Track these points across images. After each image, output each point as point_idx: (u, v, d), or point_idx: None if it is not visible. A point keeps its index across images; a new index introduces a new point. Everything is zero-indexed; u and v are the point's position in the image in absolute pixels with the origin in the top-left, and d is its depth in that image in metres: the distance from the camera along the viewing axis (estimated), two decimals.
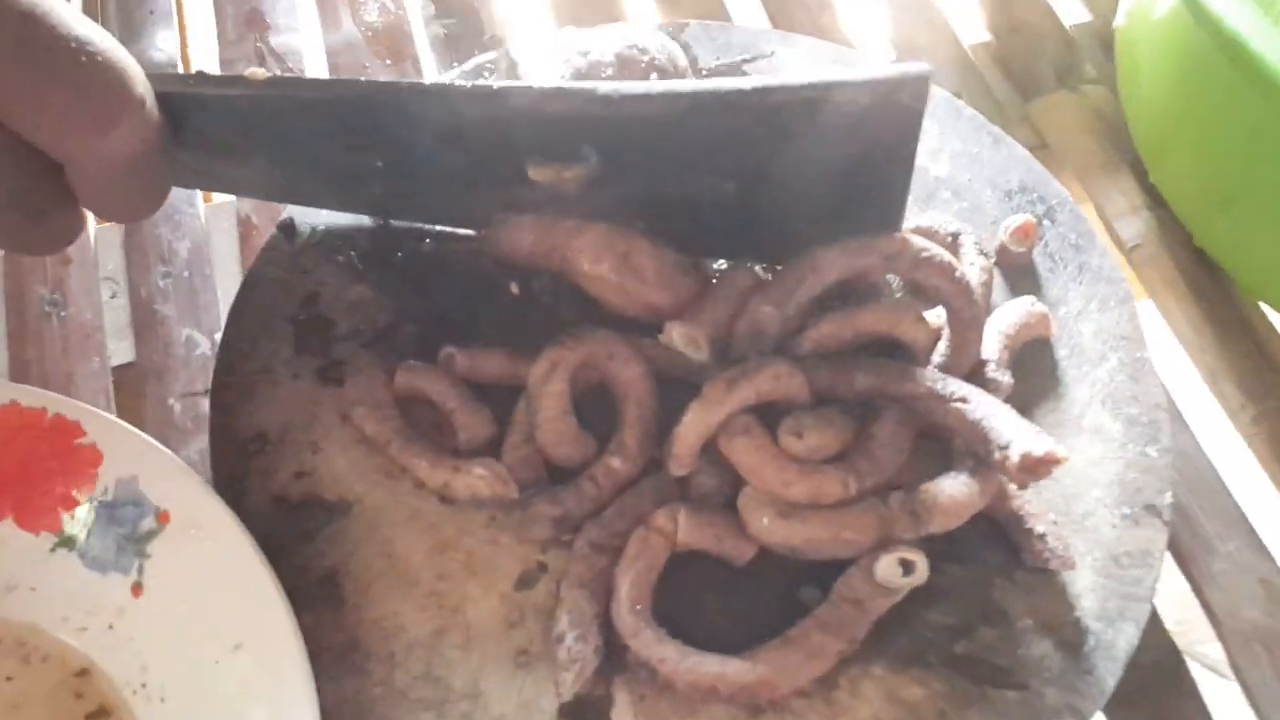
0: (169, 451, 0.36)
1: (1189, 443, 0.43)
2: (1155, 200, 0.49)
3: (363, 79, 0.38)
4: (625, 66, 0.40)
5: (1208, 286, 0.47)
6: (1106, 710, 0.37)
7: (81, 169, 0.32)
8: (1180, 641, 0.39)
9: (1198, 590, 0.40)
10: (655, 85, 0.36)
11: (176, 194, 0.49)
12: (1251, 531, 0.41)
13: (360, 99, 0.36)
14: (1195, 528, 0.41)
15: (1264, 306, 0.47)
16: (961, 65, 0.54)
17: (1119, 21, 0.52)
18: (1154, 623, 0.39)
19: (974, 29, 0.56)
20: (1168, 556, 0.39)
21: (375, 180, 0.39)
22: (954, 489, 0.35)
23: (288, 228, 0.43)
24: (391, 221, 0.44)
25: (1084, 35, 0.55)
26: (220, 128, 0.36)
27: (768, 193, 0.38)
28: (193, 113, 0.35)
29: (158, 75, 0.33)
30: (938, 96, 0.47)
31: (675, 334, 0.38)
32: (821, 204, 0.38)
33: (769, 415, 0.36)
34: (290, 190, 0.42)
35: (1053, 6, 0.56)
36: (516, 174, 0.37)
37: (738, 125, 0.36)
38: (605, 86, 0.36)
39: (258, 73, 0.36)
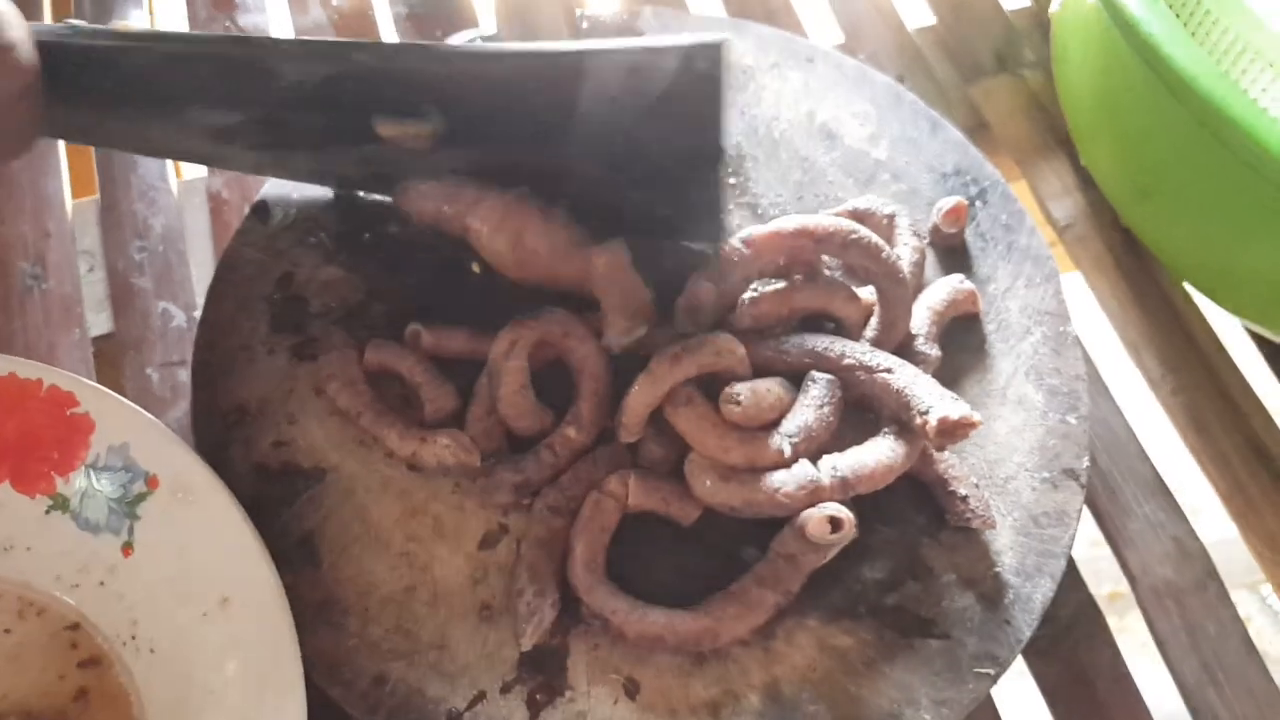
0: (159, 421, 0.37)
1: (1111, 411, 0.45)
2: (1087, 182, 0.51)
3: (223, 34, 0.39)
4: None
5: (1134, 265, 0.49)
6: (1026, 659, 0.40)
7: None
8: None
9: (1115, 548, 0.43)
10: (489, 46, 0.37)
11: (150, 170, 0.49)
12: (1167, 494, 0.43)
13: (216, 53, 0.37)
14: (1115, 490, 0.43)
15: (1186, 284, 0.48)
16: (906, 48, 0.55)
17: (1054, 9, 0.52)
18: (1074, 579, 0.41)
19: (919, 13, 0.57)
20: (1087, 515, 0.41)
21: (242, 136, 0.40)
22: (879, 453, 0.37)
23: (261, 210, 0.44)
24: (358, 201, 0.44)
25: (1023, 20, 0.56)
26: (96, 79, 0.37)
27: (607, 163, 0.39)
28: (69, 63, 0.36)
29: (34, 26, 0.34)
30: (879, 83, 0.49)
31: (612, 338, 0.39)
32: (654, 171, 0.39)
33: (712, 385, 0.38)
34: (169, 146, 0.42)
35: None
36: (367, 131, 0.38)
37: (566, 87, 0.37)
38: (443, 45, 0.37)
39: (127, 25, 0.37)
